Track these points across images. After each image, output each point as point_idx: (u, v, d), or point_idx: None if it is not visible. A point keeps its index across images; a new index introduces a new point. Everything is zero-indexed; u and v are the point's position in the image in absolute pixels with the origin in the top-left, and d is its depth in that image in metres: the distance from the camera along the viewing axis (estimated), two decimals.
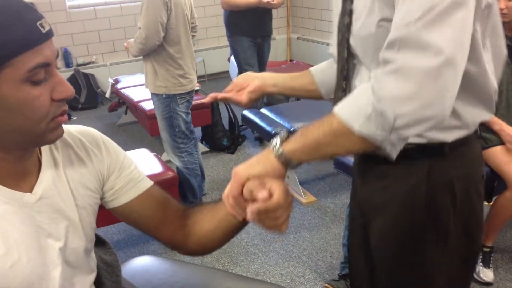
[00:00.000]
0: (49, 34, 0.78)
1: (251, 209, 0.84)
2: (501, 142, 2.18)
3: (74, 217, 0.92)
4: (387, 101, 0.82)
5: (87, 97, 5.12)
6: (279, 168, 0.92)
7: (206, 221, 1.03)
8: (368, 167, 1.13)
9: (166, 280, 1.44)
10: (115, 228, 2.88)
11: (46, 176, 0.89)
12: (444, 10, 0.80)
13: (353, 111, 0.88)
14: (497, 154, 2.15)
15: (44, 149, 0.91)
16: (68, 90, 0.81)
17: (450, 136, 1.01)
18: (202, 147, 4.01)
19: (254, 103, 1.34)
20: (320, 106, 3.55)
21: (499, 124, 2.15)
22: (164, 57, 2.63)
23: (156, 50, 2.60)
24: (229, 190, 0.93)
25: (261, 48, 3.95)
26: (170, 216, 1.05)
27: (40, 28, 0.76)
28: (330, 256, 2.54)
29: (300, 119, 3.13)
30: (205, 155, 3.91)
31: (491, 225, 2.24)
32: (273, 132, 2.99)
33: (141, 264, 1.56)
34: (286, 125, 3.03)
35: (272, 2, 3.65)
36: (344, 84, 1.08)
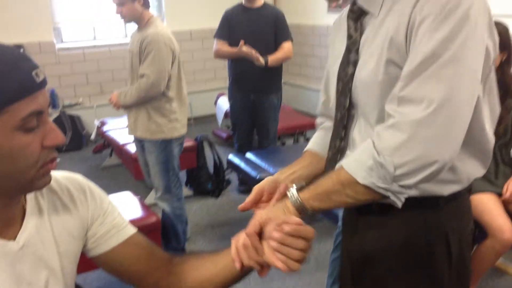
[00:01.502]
0: (43, 83, 0.80)
1: (278, 233, 0.87)
2: (482, 190, 2.22)
3: (56, 266, 0.91)
4: (386, 153, 0.92)
5: (72, 139, 5.10)
6: (296, 215, 0.99)
7: (205, 269, 1.02)
8: (361, 217, 1.15)
9: None
10: (94, 274, 2.81)
11: (30, 224, 0.89)
12: (442, 64, 0.89)
13: (357, 164, 0.96)
14: (477, 203, 2.18)
15: (29, 196, 0.91)
16: (59, 138, 0.82)
17: (445, 190, 1.04)
18: (186, 191, 3.99)
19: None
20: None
21: None
22: (161, 102, 2.64)
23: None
24: (245, 229, 0.94)
25: (256, 106, 3.64)
26: (154, 264, 1.04)
27: (35, 77, 0.78)
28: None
29: (285, 164, 3.14)
30: (189, 199, 3.89)
31: (472, 273, 2.24)
32: (257, 177, 3.00)
33: None
34: (271, 170, 3.05)
35: (256, 56, 3.32)
36: (343, 133, 1.12)
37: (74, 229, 0.96)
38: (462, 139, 0.94)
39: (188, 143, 3.86)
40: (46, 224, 0.91)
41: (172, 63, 2.60)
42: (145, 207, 2.71)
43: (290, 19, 3.98)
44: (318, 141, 1.31)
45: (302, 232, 0.87)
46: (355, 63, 1.06)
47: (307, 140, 4.97)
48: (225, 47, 3.52)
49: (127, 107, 2.72)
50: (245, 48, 3.31)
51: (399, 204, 0.96)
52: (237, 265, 0.94)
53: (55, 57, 5.31)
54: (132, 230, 1.04)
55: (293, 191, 1.02)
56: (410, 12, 0.93)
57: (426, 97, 0.89)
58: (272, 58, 3.42)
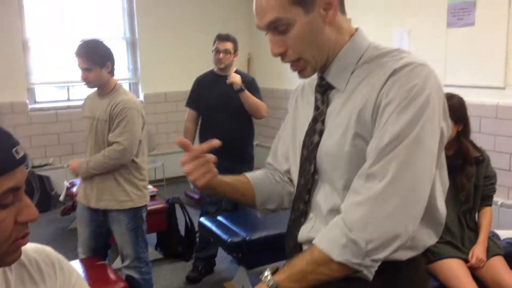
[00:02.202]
0: (22, 160, 0.80)
1: None
2: (449, 256, 2.26)
3: None
4: (357, 229, 0.97)
5: (40, 200, 4.98)
6: None
7: None
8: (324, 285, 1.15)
9: None
10: None
11: None
12: (406, 144, 0.97)
13: (330, 243, 1.00)
14: (444, 268, 2.20)
15: None
16: (34, 214, 0.82)
17: (402, 256, 1.08)
18: (156, 254, 3.90)
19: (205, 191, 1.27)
20: (276, 215, 3.58)
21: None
22: (131, 170, 2.60)
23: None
24: None
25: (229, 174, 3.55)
26: None
27: (15, 154, 0.78)
28: None
29: (256, 228, 3.14)
30: (159, 262, 3.80)
31: None
32: (229, 240, 2.97)
33: None
34: (243, 233, 3.03)
35: (234, 79, 3.21)
36: (307, 197, 1.17)
37: None
38: (422, 210, 1.00)
39: (159, 205, 3.82)
40: None
41: (142, 129, 2.61)
42: (113, 272, 2.64)
43: (264, 84, 4.12)
44: (257, 175, 1.35)
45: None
46: (321, 133, 1.12)
47: None
48: (188, 133, 3.50)
49: (89, 176, 2.61)
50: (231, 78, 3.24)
51: (370, 277, 0.99)
52: None
53: (27, 118, 5.29)
54: None
55: (267, 274, 1.04)
56: (378, 93, 1.01)
57: (387, 175, 0.97)
58: (248, 95, 3.31)
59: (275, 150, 1.36)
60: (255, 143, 3.75)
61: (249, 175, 1.36)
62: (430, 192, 1.04)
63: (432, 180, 1.02)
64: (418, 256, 1.13)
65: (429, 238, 1.13)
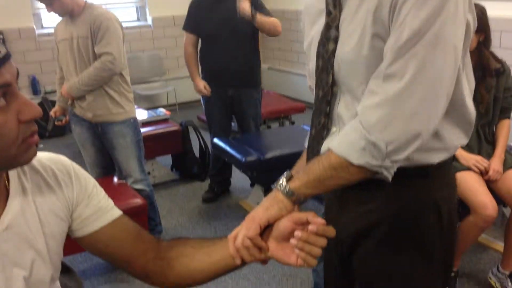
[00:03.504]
0: (6, 57, 0.77)
1: (300, 234, 0.93)
2: (464, 168, 2.26)
3: (41, 246, 0.89)
4: (376, 131, 0.94)
5: (55, 126, 5.04)
6: (289, 205, 1.01)
7: (197, 259, 1.03)
8: (348, 194, 1.14)
9: None
10: (81, 257, 2.81)
11: (14, 204, 0.87)
12: (427, 41, 0.91)
13: (348, 146, 0.97)
14: (461, 181, 2.22)
15: (13, 176, 0.89)
16: (35, 110, 0.80)
17: (434, 158, 1.06)
18: (173, 175, 3.99)
19: None
20: (290, 135, 3.61)
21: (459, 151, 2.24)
22: (119, 82, 2.61)
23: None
24: (244, 232, 0.99)
25: (235, 103, 3.32)
26: (141, 247, 1.03)
27: None
28: (301, 282, 2.53)
29: (270, 148, 3.17)
30: (175, 183, 3.89)
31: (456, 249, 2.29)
32: (243, 160, 3.01)
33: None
34: (257, 153, 3.06)
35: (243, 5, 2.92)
36: (327, 109, 1.11)
37: (59, 210, 0.94)
38: (444, 108, 0.97)
39: (173, 128, 3.85)
40: (31, 205, 0.89)
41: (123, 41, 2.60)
42: (131, 190, 2.70)
43: (275, 5, 3.97)
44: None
45: (326, 231, 0.94)
46: (335, 40, 1.05)
47: (293, 123, 5.04)
48: (191, 59, 3.30)
49: (81, 95, 2.60)
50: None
51: (390, 178, 0.98)
52: (238, 262, 1.00)
53: (35, 43, 5.23)
54: (118, 212, 1.03)
55: (282, 182, 1.02)
56: None
57: (407, 73, 0.92)
58: (261, 20, 3.04)
59: (308, 69, 1.26)
60: (266, 66, 3.66)
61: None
62: (458, 90, 1.01)
63: (456, 76, 0.97)
64: (449, 159, 1.10)
65: (459, 138, 1.10)
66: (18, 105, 0.78)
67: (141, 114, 3.89)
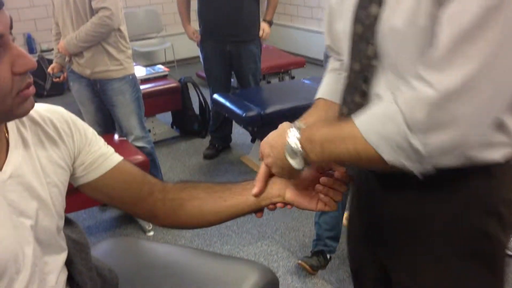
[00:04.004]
0: None
1: (326, 179, 0.97)
2: None
3: (45, 195, 0.90)
4: (420, 133, 0.75)
5: (53, 84, 5.00)
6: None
7: (212, 202, 1.06)
8: (395, 176, 0.91)
9: (139, 259, 1.44)
10: (85, 214, 2.85)
11: (16, 155, 0.87)
12: (503, 18, 0.69)
13: (381, 138, 0.80)
14: None
15: (12, 128, 0.88)
16: (29, 62, 0.78)
17: (496, 154, 0.86)
18: (173, 132, 3.99)
19: None
20: (290, 89, 3.58)
21: None
22: (117, 38, 2.55)
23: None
24: (273, 157, 0.97)
25: (233, 58, 3.30)
26: (147, 189, 1.05)
27: None
28: (303, 235, 2.58)
29: (271, 103, 3.15)
30: (176, 140, 3.90)
31: None
32: (244, 115, 3.00)
33: (112, 245, 1.56)
34: (257, 108, 3.05)
35: None
36: (364, 87, 0.91)
37: (61, 160, 0.95)
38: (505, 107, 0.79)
39: (172, 84, 3.82)
40: (32, 155, 0.90)
41: None
42: (132, 147, 2.70)
43: None
44: (331, 87, 1.11)
45: (346, 178, 0.98)
46: (380, 2, 0.83)
47: (293, 78, 4.99)
48: (182, 3, 3.33)
49: (78, 52, 2.56)
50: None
51: (420, 177, 0.82)
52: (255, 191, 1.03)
53: (29, 0, 5.11)
54: (120, 157, 1.05)
55: (294, 137, 0.90)
56: None
57: (470, 63, 0.71)
58: (270, 13, 3.32)
59: (330, 24, 1.04)
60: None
61: (324, 93, 1.11)
62: None
63: None
64: None
65: None
66: (12, 57, 0.77)
67: (140, 71, 3.84)
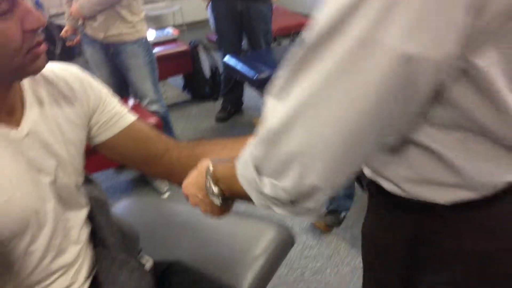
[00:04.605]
0: None
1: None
2: None
3: (63, 153, 0.92)
4: (267, 176, 0.64)
5: (63, 49, 4.98)
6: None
7: (226, 156, 1.05)
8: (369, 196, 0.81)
9: (157, 217, 1.47)
10: (102, 176, 2.89)
11: (32, 113, 0.88)
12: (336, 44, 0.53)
13: (248, 184, 0.69)
14: None
15: (27, 87, 0.89)
16: (38, 19, 0.78)
17: (443, 197, 0.66)
18: (184, 96, 3.99)
19: None
20: None
21: None
22: (130, 1, 2.51)
23: None
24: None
25: (244, 17, 3.25)
26: (163, 146, 1.06)
27: None
28: None
29: (282, 64, 3.11)
30: (187, 103, 3.90)
31: None
32: (255, 77, 2.98)
33: (131, 204, 1.58)
34: (269, 69, 3.02)
35: None
36: None
37: (76, 118, 0.96)
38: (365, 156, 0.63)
39: (182, 47, 3.79)
40: (48, 114, 0.91)
41: None
42: (146, 111, 2.71)
43: None
44: None
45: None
46: None
47: None
48: None
49: (92, 15, 2.52)
50: None
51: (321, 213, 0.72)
52: None
53: None
54: (134, 116, 1.06)
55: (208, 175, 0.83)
56: None
57: (294, 93, 0.58)
58: None
59: None
60: None
61: None
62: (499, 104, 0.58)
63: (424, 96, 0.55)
64: (477, 200, 0.65)
65: (491, 174, 0.64)
66: (22, 14, 0.76)
67: (149, 34, 3.81)
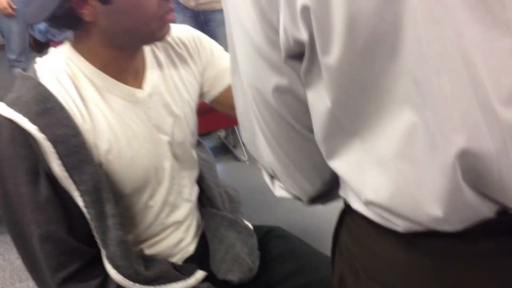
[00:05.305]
0: None
1: None
2: None
3: (179, 112, 0.95)
4: None
5: None
6: None
7: None
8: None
9: (251, 183, 1.48)
10: (207, 140, 2.95)
11: (153, 75, 0.92)
12: None
13: None
14: None
15: (147, 50, 0.93)
16: None
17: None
18: None
19: None
20: None
21: None
22: None
23: None
24: None
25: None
26: None
27: None
28: None
29: None
30: None
31: None
32: None
33: (224, 167, 1.60)
34: None
35: None
36: None
37: (191, 77, 0.99)
38: None
39: None
40: (166, 75, 0.94)
41: None
42: None
43: None
44: None
45: None
46: None
47: None
48: None
49: None
50: None
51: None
52: None
53: None
54: None
55: None
56: None
57: None
58: None
59: None
60: None
61: None
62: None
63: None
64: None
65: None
66: None
67: None
